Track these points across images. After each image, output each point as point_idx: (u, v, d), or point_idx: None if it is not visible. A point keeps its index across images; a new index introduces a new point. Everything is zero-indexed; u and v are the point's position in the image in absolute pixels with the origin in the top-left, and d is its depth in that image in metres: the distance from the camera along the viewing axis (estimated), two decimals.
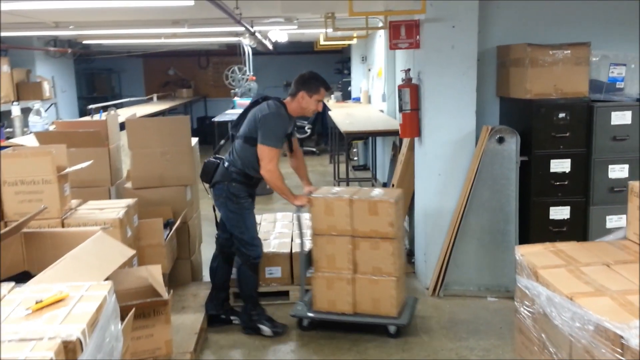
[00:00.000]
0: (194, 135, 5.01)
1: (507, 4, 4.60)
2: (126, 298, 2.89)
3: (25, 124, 7.23)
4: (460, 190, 4.53)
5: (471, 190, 4.40)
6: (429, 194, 4.61)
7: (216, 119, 8.59)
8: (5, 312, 1.87)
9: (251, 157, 3.82)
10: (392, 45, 4.55)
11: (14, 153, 3.53)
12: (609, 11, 4.59)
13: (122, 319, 2.48)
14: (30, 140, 5.39)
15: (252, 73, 10.39)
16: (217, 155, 4.08)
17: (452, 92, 4.42)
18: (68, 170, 3.56)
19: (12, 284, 2.16)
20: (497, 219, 4.43)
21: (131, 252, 3.11)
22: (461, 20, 4.34)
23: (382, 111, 8.39)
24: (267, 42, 9.52)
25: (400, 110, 4.70)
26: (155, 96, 12.81)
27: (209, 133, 10.54)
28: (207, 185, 4.04)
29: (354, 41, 9.46)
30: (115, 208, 3.71)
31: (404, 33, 4.48)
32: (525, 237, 4.36)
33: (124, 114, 8.01)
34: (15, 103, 7.57)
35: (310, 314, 3.97)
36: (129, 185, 4.61)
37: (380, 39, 8.34)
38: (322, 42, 9.58)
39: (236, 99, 9.90)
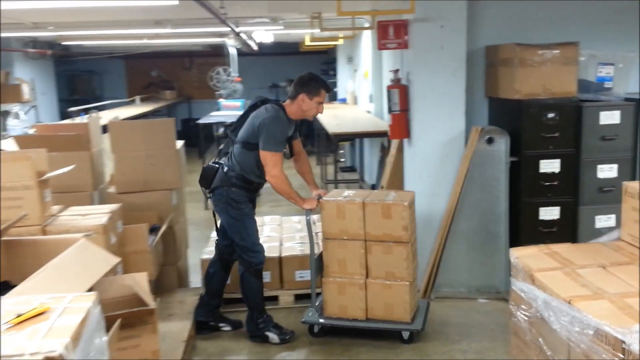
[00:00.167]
0: (178, 137, 4.93)
1: (494, 4, 4.58)
2: (111, 308, 2.80)
3: (3, 127, 7.09)
4: (450, 191, 4.49)
5: (461, 192, 4.36)
6: (419, 196, 4.53)
7: (201, 121, 8.48)
8: None
9: (250, 162, 3.74)
10: (381, 46, 4.50)
11: None
12: (597, 11, 4.59)
13: (107, 329, 2.40)
14: (9, 145, 5.25)
15: (237, 74, 10.29)
16: (216, 160, 3.97)
17: (442, 92, 4.39)
18: (49, 175, 3.45)
19: None
20: (487, 220, 4.40)
21: (116, 259, 3.03)
22: (450, 20, 4.30)
23: (369, 112, 8.36)
24: (252, 43, 9.43)
25: (390, 111, 4.66)
26: (138, 98, 12.67)
27: (194, 135, 10.43)
28: (206, 191, 3.93)
29: (340, 42, 9.41)
30: (98, 214, 3.62)
31: (392, 33, 4.44)
32: (515, 238, 4.34)
33: (106, 116, 7.90)
34: None
35: (321, 320, 3.88)
36: (112, 190, 4.51)
37: (367, 39, 8.30)
38: (307, 43, 9.52)
39: (221, 100, 9.79)
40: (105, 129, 4.66)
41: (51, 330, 1.80)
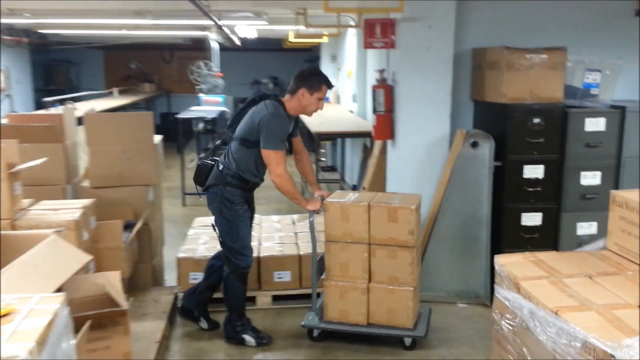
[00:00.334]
0: (156, 132, 4.80)
1: (482, 5, 4.54)
2: (81, 308, 2.69)
3: None
4: (433, 194, 4.44)
5: (444, 195, 4.32)
6: None
7: (180, 116, 8.33)
8: None
9: (247, 160, 3.61)
10: (367, 44, 4.43)
11: None
12: (585, 16, 4.58)
13: (77, 330, 2.29)
14: None
15: (218, 69, 10.15)
16: (212, 157, 3.81)
17: (427, 94, 4.34)
18: (19, 167, 3.31)
19: None
20: (469, 225, 4.35)
21: (87, 257, 2.92)
22: (438, 20, 4.25)
23: (351, 112, 8.29)
24: (234, 38, 9.31)
25: (374, 111, 4.59)
26: (116, 90, 12.43)
27: (173, 130, 10.26)
28: (200, 189, 3.79)
29: (325, 40, 9.32)
30: (70, 209, 3.49)
31: (379, 32, 4.37)
32: (497, 243, 4.31)
33: (82, 108, 7.71)
34: None
35: (322, 325, 3.78)
36: (86, 184, 4.37)
37: (352, 38, 8.23)
38: (291, 40, 9.42)
39: (201, 95, 9.65)
40: (80, 120, 4.52)
41: (15, 333, 1.70)
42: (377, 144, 5.23)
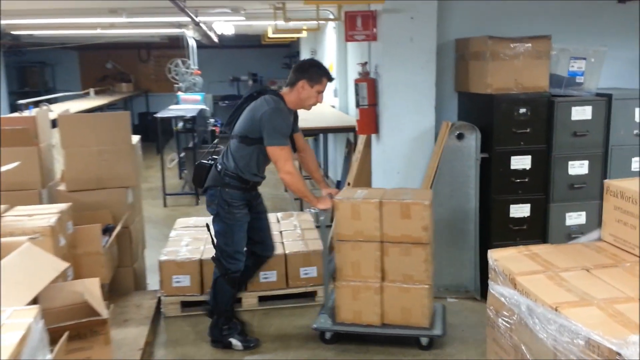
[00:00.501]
0: (134, 132, 4.66)
1: None
2: (59, 318, 2.56)
3: None
4: (420, 188, 4.36)
5: (431, 189, 4.23)
6: None
7: (159, 115, 8.15)
8: None
9: (248, 159, 3.47)
10: (348, 37, 4.34)
11: None
12: (568, 4, 4.52)
13: (55, 342, 2.18)
14: None
15: (196, 67, 9.97)
16: (212, 157, 3.69)
17: (411, 86, 4.26)
18: None
19: None
20: (457, 218, 4.28)
21: (64, 265, 2.80)
22: (420, 11, 4.16)
23: (333, 107, 8.19)
24: (212, 35, 9.14)
25: (357, 105, 4.49)
26: (92, 91, 12.18)
27: (152, 130, 10.09)
28: (199, 190, 3.67)
29: (304, 34, 9.20)
30: (46, 214, 3.36)
31: (360, 24, 4.28)
32: (485, 236, 4.24)
33: (57, 109, 7.52)
34: None
35: (335, 327, 3.65)
36: (62, 187, 4.23)
37: (331, 32, 8.13)
38: (270, 35, 9.28)
39: (180, 93, 9.47)
40: (55, 122, 4.37)
41: None
42: (361, 138, 5.15)
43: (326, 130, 6.84)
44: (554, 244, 2.60)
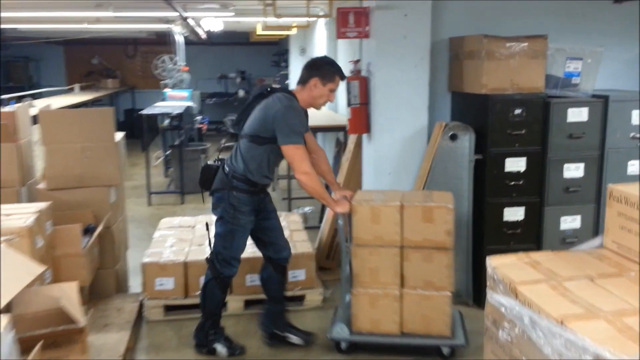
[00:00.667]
0: (120, 129, 4.52)
1: None
2: (34, 324, 2.43)
3: None
4: (412, 189, 4.26)
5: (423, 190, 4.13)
6: None
7: (145, 112, 7.99)
8: None
9: (259, 159, 3.32)
10: (340, 34, 4.21)
11: None
12: (564, 2, 4.43)
13: (29, 351, 2.04)
14: None
15: (184, 63, 9.81)
16: (218, 158, 3.52)
17: (404, 85, 4.14)
18: None
19: None
20: None
21: (40, 268, 2.64)
22: (414, 8, 4.05)
23: None
24: (200, 31, 8.99)
25: (349, 104, 4.37)
26: (77, 86, 11.97)
27: (137, 127, 9.90)
28: (206, 193, 3.49)
29: (294, 31, 9.07)
30: (23, 214, 3.21)
31: (352, 21, 4.16)
32: (478, 240, 4.15)
33: (40, 105, 7.34)
34: None
35: (352, 337, 3.49)
36: (43, 186, 4.07)
37: (321, 29, 8.01)
38: (259, 32, 9.14)
39: (167, 90, 9.30)
40: (36, 118, 4.22)
41: None
42: (352, 138, 5.03)
43: (316, 129, 6.71)
44: (554, 251, 2.49)
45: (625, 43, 4.54)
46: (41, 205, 3.43)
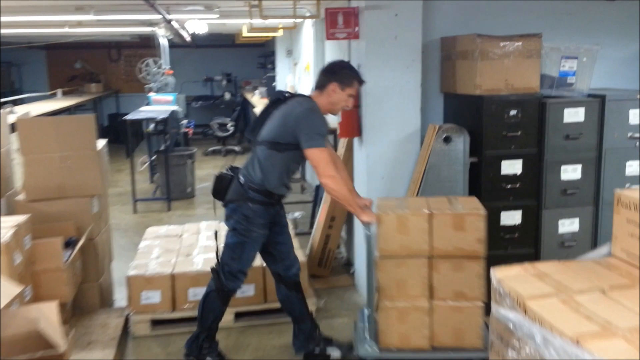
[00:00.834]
0: (104, 134, 4.35)
1: None
2: (11, 349, 2.27)
3: None
4: (405, 194, 4.14)
5: (417, 195, 4.01)
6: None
7: (129, 117, 7.80)
8: None
9: (279, 167, 3.19)
10: (329, 35, 4.08)
11: None
12: (559, 2, 4.34)
13: None
14: None
15: (168, 66, 9.62)
16: (231, 167, 3.37)
17: (396, 87, 4.02)
18: None
19: None
20: None
21: (17, 289, 2.50)
22: (404, 7, 3.93)
23: None
24: (184, 34, 8.82)
25: None
26: (59, 91, 11.72)
27: (122, 132, 9.72)
28: (219, 203, 3.34)
29: (280, 33, 8.93)
30: (0, 228, 3.03)
31: (341, 22, 4.03)
32: None
33: (22, 111, 7.14)
34: None
35: (383, 355, 3.30)
36: (21, 197, 3.90)
37: (308, 30, 7.87)
38: (245, 34, 8.99)
39: (151, 94, 9.12)
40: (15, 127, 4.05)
41: None
42: (342, 142, 4.91)
43: None
44: (561, 261, 2.37)
45: (621, 41, 4.46)
46: (19, 218, 3.27)
